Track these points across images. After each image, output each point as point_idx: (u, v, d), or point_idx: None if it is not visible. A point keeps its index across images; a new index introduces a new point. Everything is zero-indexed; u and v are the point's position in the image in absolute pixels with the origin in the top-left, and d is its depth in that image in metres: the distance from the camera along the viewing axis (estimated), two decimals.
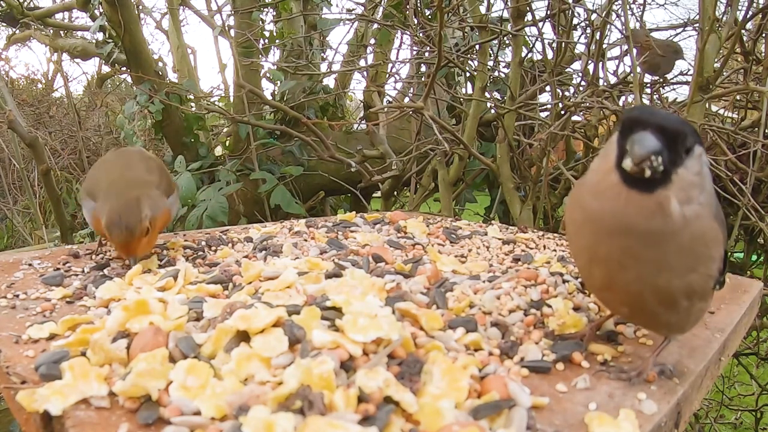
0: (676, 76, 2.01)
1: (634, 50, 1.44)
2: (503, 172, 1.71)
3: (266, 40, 2.88)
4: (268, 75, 2.79)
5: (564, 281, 0.76)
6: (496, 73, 2.22)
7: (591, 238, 0.53)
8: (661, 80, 1.94)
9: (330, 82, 3.02)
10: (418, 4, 2.15)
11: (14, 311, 0.66)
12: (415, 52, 2.39)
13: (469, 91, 2.36)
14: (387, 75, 2.92)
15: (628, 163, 0.46)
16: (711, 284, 0.53)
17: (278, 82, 2.75)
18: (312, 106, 2.80)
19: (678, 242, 0.49)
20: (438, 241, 0.99)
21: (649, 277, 0.50)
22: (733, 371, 2.58)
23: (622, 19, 1.69)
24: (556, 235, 1.11)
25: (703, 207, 0.49)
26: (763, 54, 1.79)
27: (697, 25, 1.74)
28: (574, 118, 1.87)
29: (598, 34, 1.71)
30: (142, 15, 3.23)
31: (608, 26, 1.74)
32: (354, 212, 1.18)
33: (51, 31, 4.45)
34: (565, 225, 0.59)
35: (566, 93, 2.01)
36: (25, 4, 3.91)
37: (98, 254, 0.92)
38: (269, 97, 2.65)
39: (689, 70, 1.96)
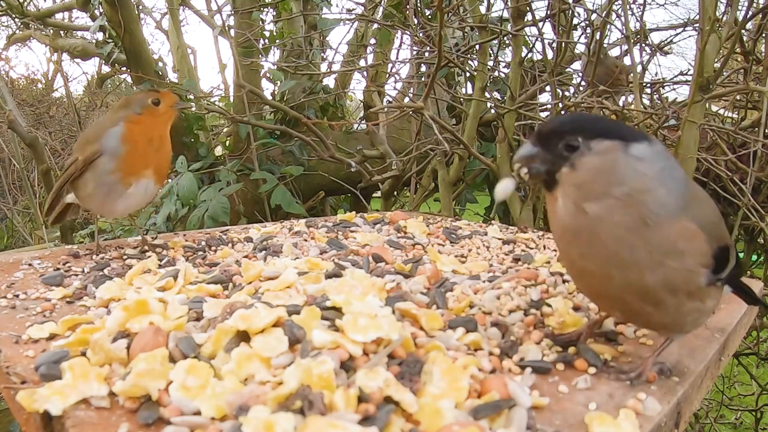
0: (676, 76, 2.01)
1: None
2: (503, 172, 1.71)
3: (266, 40, 2.88)
4: (268, 75, 2.79)
5: (564, 281, 0.76)
6: (496, 73, 2.22)
7: (561, 244, 0.56)
8: (661, 80, 1.94)
9: (330, 82, 3.02)
10: (418, 4, 2.15)
11: (14, 311, 0.66)
12: (415, 52, 2.39)
13: (469, 91, 2.36)
14: (387, 75, 2.92)
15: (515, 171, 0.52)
16: (698, 281, 0.52)
17: (278, 82, 2.75)
18: (312, 106, 2.80)
19: (604, 237, 0.50)
20: (438, 241, 0.99)
21: (617, 276, 0.51)
22: (733, 371, 2.58)
23: (622, 19, 1.69)
24: None
25: (629, 198, 0.49)
26: (763, 54, 1.79)
27: (697, 25, 1.74)
28: None
29: (598, 34, 1.71)
30: (142, 15, 3.22)
31: (608, 26, 1.74)
32: (354, 212, 1.18)
33: (51, 31, 4.45)
34: None
35: (566, 93, 2.01)
36: (25, 4, 3.90)
37: (98, 254, 0.92)
38: (269, 97, 2.65)
39: (689, 70, 1.96)
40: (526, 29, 1.83)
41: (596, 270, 0.52)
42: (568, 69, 2.12)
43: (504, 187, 0.55)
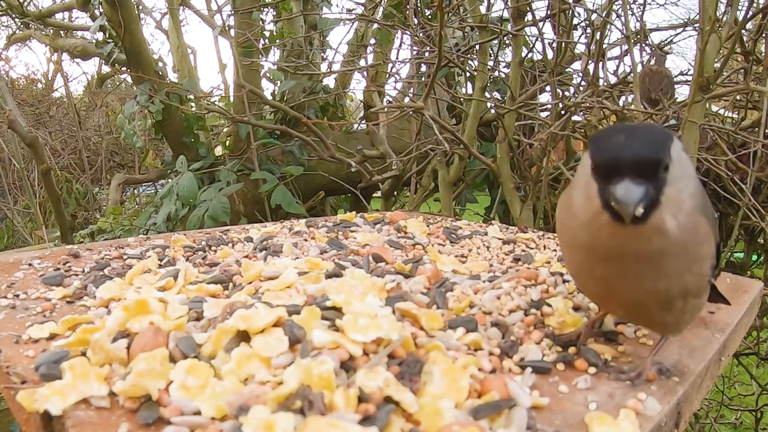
0: (676, 76, 2.01)
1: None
2: (503, 172, 1.71)
3: (266, 40, 2.88)
4: (268, 75, 2.80)
5: (564, 281, 0.76)
6: (496, 73, 2.22)
7: (587, 261, 0.53)
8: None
9: (330, 82, 3.02)
10: (418, 4, 2.15)
11: (14, 311, 0.66)
12: (415, 52, 2.39)
13: (469, 91, 2.36)
14: (387, 75, 2.92)
15: (619, 212, 0.46)
16: (705, 282, 0.53)
17: (278, 82, 2.75)
18: (312, 106, 2.80)
19: (675, 251, 0.48)
20: (438, 241, 0.99)
21: (649, 285, 0.50)
22: (733, 371, 2.58)
23: (622, 19, 1.69)
24: (556, 235, 1.11)
25: (693, 200, 0.48)
26: (763, 54, 1.79)
27: (697, 25, 1.74)
28: (574, 118, 1.87)
29: (598, 34, 1.71)
30: (142, 15, 3.22)
31: (608, 26, 1.74)
32: (354, 212, 1.18)
33: (51, 31, 4.46)
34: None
35: (566, 93, 2.01)
36: (25, 4, 3.91)
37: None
38: (269, 97, 2.65)
39: (689, 70, 1.96)
40: (526, 29, 1.83)
41: (629, 281, 0.50)
42: (568, 69, 2.12)
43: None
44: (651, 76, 1.53)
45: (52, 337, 0.58)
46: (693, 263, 0.50)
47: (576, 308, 0.68)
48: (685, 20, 2.52)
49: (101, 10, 2.74)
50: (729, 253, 1.91)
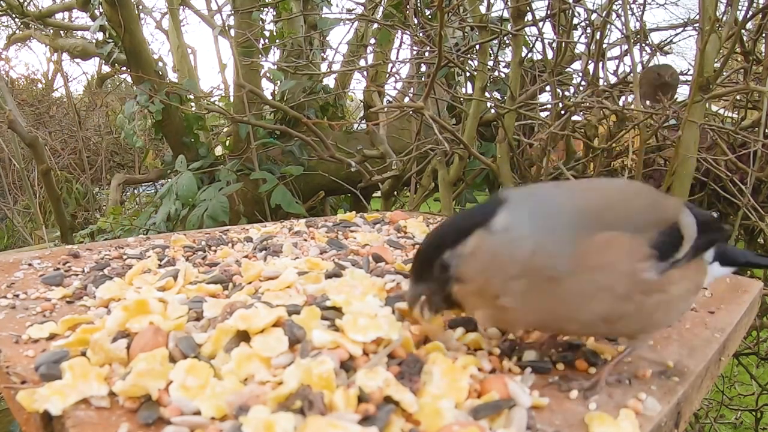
0: None
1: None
2: (503, 172, 1.71)
3: (266, 40, 2.89)
4: (268, 75, 2.80)
5: None
6: (496, 73, 2.22)
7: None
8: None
9: (330, 82, 3.02)
10: (418, 4, 2.15)
11: (14, 311, 0.66)
12: (415, 52, 2.40)
13: (469, 91, 2.36)
14: (387, 75, 2.92)
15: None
16: (644, 278, 0.49)
17: (278, 82, 2.75)
18: (312, 106, 2.80)
19: (541, 310, 0.49)
20: None
21: (574, 325, 0.51)
22: (733, 371, 2.58)
23: (622, 19, 1.69)
24: None
25: (531, 270, 0.48)
26: (763, 54, 1.79)
27: (697, 25, 1.74)
28: (574, 118, 1.87)
29: (598, 34, 1.71)
30: (142, 15, 3.23)
31: (608, 26, 1.74)
32: (354, 212, 1.18)
33: (51, 31, 4.46)
34: None
35: (566, 93, 2.01)
36: (25, 4, 3.91)
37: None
38: (269, 97, 2.65)
39: (689, 70, 1.96)
40: (526, 29, 1.83)
41: (562, 323, 0.52)
42: (568, 69, 2.12)
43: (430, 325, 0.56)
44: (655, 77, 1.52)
45: (52, 337, 0.58)
46: (595, 289, 0.48)
47: None
48: (685, 20, 2.52)
49: (101, 10, 2.75)
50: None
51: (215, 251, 0.92)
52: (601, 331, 0.53)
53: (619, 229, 0.49)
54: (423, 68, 2.40)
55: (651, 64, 1.86)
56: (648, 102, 1.60)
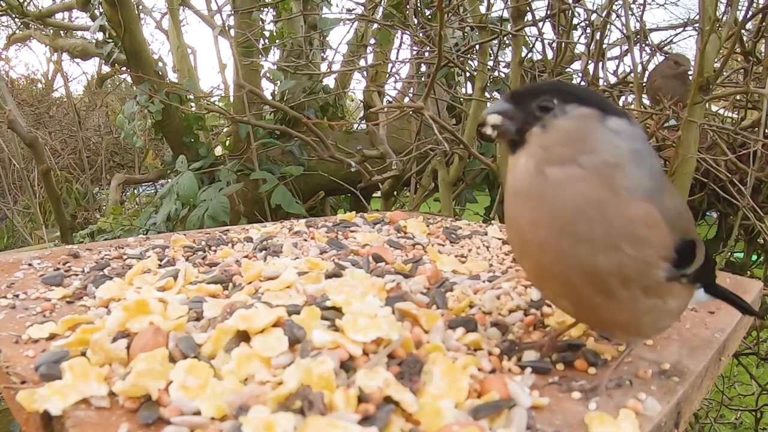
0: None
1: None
2: (503, 172, 1.71)
3: (266, 40, 2.89)
4: (268, 75, 2.80)
5: None
6: (496, 73, 2.22)
7: (510, 216, 0.53)
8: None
9: (330, 82, 3.02)
10: (418, 4, 2.15)
11: (14, 311, 0.66)
12: (415, 52, 2.40)
13: (469, 91, 2.36)
14: (387, 75, 2.92)
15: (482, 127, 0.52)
16: (656, 274, 0.49)
17: (278, 82, 2.75)
18: (312, 106, 2.80)
19: (561, 205, 0.47)
20: (438, 241, 0.99)
21: (568, 250, 0.48)
22: (733, 371, 2.58)
23: (623, 19, 1.69)
24: None
25: (596, 169, 0.47)
26: (763, 54, 1.79)
27: (697, 25, 1.74)
28: None
29: (598, 34, 1.71)
30: (142, 15, 3.23)
31: (608, 26, 1.74)
32: (354, 212, 1.18)
33: (51, 31, 4.46)
34: None
35: None
36: (25, 4, 3.91)
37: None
38: (269, 97, 2.65)
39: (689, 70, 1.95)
40: (526, 29, 1.83)
41: (545, 242, 0.49)
42: (568, 69, 2.12)
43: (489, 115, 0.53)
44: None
45: (52, 337, 0.58)
46: (622, 239, 0.47)
47: None
48: (685, 20, 2.52)
49: (101, 10, 2.75)
50: (729, 253, 1.91)
51: (215, 251, 0.92)
52: (591, 301, 0.50)
53: (666, 216, 0.49)
54: (423, 68, 2.41)
55: (650, 64, 1.86)
56: (664, 94, 1.54)
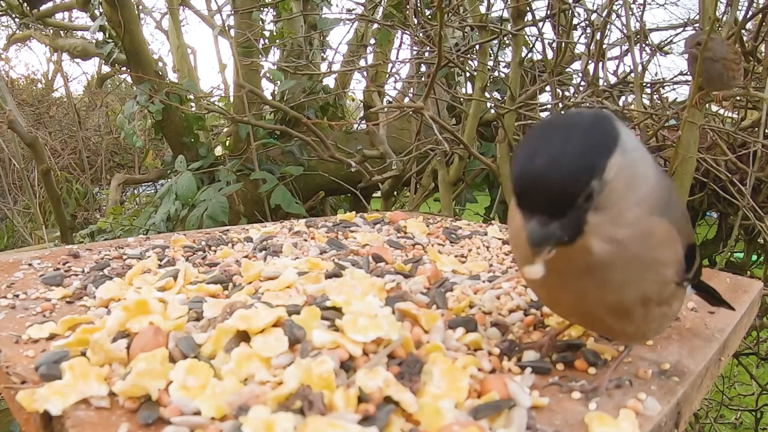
0: (676, 76, 2.01)
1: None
2: (503, 172, 1.71)
3: (266, 40, 2.89)
4: (268, 75, 2.80)
5: None
6: (496, 73, 2.22)
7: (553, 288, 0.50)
8: (662, 80, 1.93)
9: (330, 82, 3.02)
10: (418, 4, 2.15)
11: (14, 311, 0.66)
12: (415, 52, 2.40)
13: (469, 91, 2.36)
14: (387, 75, 2.92)
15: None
16: (668, 289, 0.49)
17: (278, 82, 2.75)
18: (312, 106, 2.80)
19: (620, 263, 0.45)
20: (438, 241, 0.99)
21: (595, 297, 0.47)
22: (733, 371, 2.58)
23: (623, 19, 1.69)
24: None
25: (643, 205, 0.44)
26: (763, 54, 1.79)
27: (697, 25, 1.74)
28: None
29: (598, 34, 1.71)
30: (142, 15, 3.23)
31: (608, 26, 1.74)
32: (354, 212, 1.18)
33: (51, 31, 4.46)
34: None
35: (566, 93, 2.01)
36: (25, 4, 3.90)
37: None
38: (269, 97, 2.65)
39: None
40: (526, 29, 1.83)
41: (571, 295, 0.47)
42: (568, 69, 2.12)
43: (535, 272, 0.45)
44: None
45: (52, 337, 0.58)
46: (647, 270, 0.46)
47: None
48: (685, 20, 2.52)
49: (101, 10, 2.75)
50: (729, 253, 1.91)
51: (215, 251, 0.92)
52: (603, 323, 0.50)
53: (677, 228, 0.47)
54: (423, 68, 2.41)
55: (650, 64, 1.86)
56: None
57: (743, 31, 1.67)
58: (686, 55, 1.24)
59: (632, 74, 1.59)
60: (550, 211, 0.41)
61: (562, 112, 0.42)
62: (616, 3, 1.69)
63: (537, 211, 0.42)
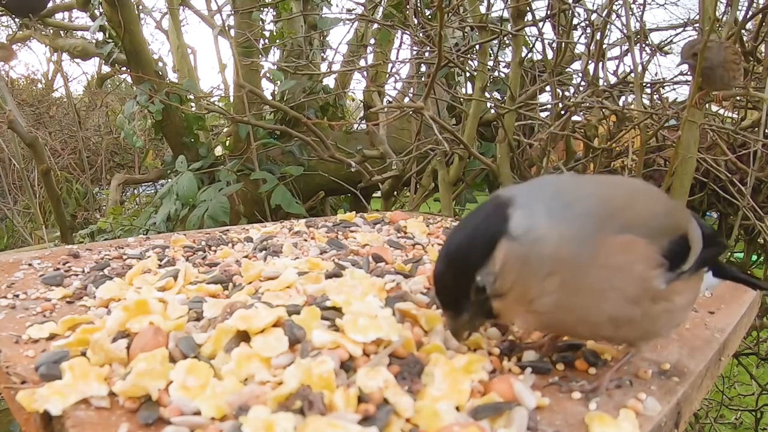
0: (676, 76, 2.01)
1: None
2: (503, 172, 1.71)
3: (266, 40, 2.88)
4: (268, 75, 2.80)
5: None
6: (496, 73, 2.22)
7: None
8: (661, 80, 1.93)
9: (330, 82, 3.02)
10: (418, 4, 2.15)
11: (14, 311, 0.66)
12: (415, 52, 2.40)
13: (469, 91, 2.36)
14: (387, 75, 2.92)
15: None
16: (653, 286, 0.49)
17: (278, 82, 2.75)
18: (312, 106, 2.80)
19: (565, 308, 0.48)
20: (438, 241, 0.99)
21: (576, 321, 0.50)
22: (733, 371, 2.58)
23: (623, 19, 1.69)
24: None
25: (558, 264, 0.47)
26: (763, 54, 1.79)
27: (697, 25, 1.74)
28: (574, 118, 1.87)
29: (598, 34, 1.71)
30: (142, 15, 3.23)
31: (608, 26, 1.74)
32: (354, 212, 1.18)
33: (51, 31, 4.45)
34: None
35: (566, 93, 2.01)
36: None
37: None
38: (269, 97, 2.65)
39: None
40: (526, 29, 1.83)
41: (558, 322, 0.52)
42: (568, 69, 2.12)
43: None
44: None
45: (52, 337, 0.58)
46: (606, 287, 0.48)
47: None
48: (685, 20, 2.52)
49: (101, 10, 2.75)
50: (729, 253, 1.91)
51: (215, 251, 0.92)
52: (606, 335, 0.52)
53: (637, 231, 0.48)
54: (423, 68, 2.40)
55: (650, 64, 1.86)
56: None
57: (743, 31, 1.67)
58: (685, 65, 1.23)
59: (632, 74, 1.59)
60: (452, 307, 0.50)
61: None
62: (616, 3, 1.69)
63: (445, 308, 0.51)
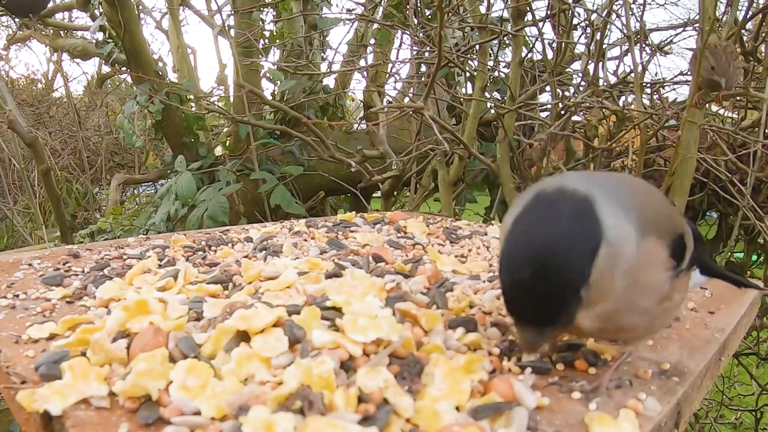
0: (676, 76, 2.01)
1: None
2: (503, 172, 1.71)
3: (266, 40, 2.89)
4: (268, 75, 2.80)
5: None
6: (496, 73, 2.22)
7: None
8: (662, 80, 1.93)
9: (330, 82, 3.02)
10: (418, 4, 2.15)
11: (14, 311, 0.66)
12: (415, 52, 2.40)
13: (469, 91, 2.36)
14: (387, 75, 2.92)
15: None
16: (665, 288, 0.50)
17: (278, 82, 2.75)
18: (312, 106, 2.80)
19: (610, 318, 0.48)
20: (438, 241, 0.99)
21: (598, 330, 0.50)
22: (733, 371, 2.58)
23: (623, 19, 1.69)
24: None
25: (626, 265, 0.44)
26: (763, 54, 1.79)
27: (697, 25, 1.74)
28: (574, 118, 1.87)
29: (599, 34, 1.71)
30: (142, 15, 3.23)
31: (608, 26, 1.74)
32: (354, 212, 1.18)
33: (51, 31, 4.45)
34: None
35: (566, 93, 2.01)
36: None
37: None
38: (269, 97, 2.65)
39: (689, 70, 1.95)
40: (526, 29, 1.83)
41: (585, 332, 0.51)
42: (568, 69, 2.12)
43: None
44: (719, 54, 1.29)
45: (52, 337, 0.58)
46: (640, 296, 0.48)
47: None
48: (685, 20, 2.52)
49: (101, 10, 2.75)
50: (729, 253, 1.91)
51: (215, 251, 0.92)
52: (625, 336, 0.53)
53: (654, 233, 0.48)
54: (423, 68, 2.40)
55: (650, 64, 1.86)
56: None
57: (743, 31, 1.67)
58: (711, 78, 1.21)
59: (632, 74, 1.59)
60: (540, 321, 0.44)
61: (545, 191, 0.42)
62: (616, 3, 1.69)
63: (527, 322, 0.44)
